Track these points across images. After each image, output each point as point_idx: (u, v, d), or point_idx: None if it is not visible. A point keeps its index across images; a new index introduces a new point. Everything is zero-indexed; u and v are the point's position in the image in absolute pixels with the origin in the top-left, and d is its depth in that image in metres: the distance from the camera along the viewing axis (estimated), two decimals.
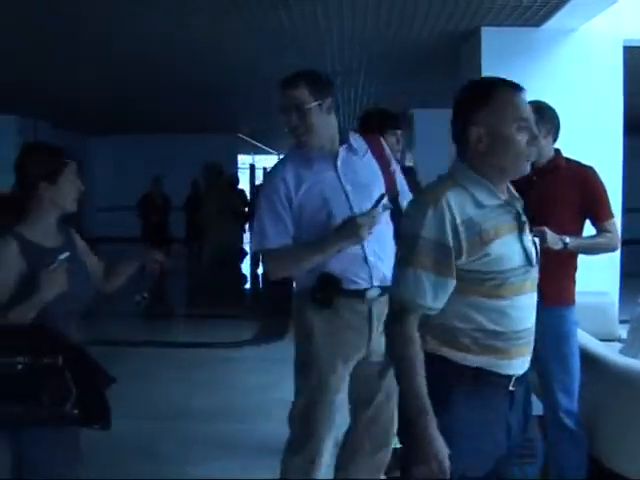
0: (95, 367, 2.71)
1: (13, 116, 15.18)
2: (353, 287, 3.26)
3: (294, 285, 3.45)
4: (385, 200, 3.27)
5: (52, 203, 2.90)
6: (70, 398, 2.50)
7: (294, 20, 7.27)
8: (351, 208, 3.28)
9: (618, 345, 4.99)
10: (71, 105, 14.18)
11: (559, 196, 3.61)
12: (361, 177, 3.39)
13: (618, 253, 7.41)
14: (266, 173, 3.43)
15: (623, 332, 5.34)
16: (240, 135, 21.33)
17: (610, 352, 4.09)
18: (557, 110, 7.57)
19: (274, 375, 6.56)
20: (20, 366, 2.48)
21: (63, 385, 2.50)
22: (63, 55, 9.03)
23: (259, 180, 25.74)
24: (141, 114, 16.12)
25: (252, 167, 27.37)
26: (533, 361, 2.52)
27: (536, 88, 7.35)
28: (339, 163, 3.40)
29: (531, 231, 2.57)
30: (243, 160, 25.97)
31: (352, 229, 3.14)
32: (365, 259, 3.27)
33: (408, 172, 4.35)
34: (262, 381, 6.42)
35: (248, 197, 15.92)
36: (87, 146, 20.66)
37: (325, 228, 3.23)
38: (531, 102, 3.04)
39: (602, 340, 4.48)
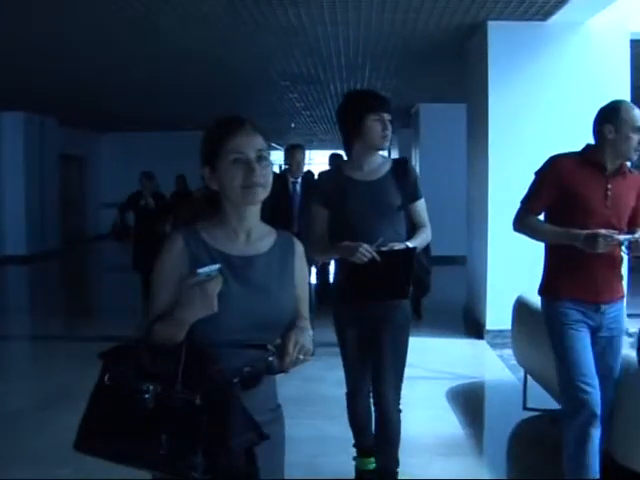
0: (243, 415, 2.06)
1: (20, 112, 15.25)
2: None
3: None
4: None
5: (223, 195, 2.18)
6: (197, 450, 1.96)
7: (301, 18, 7.29)
8: None
9: (626, 339, 4.98)
10: (78, 102, 14.21)
11: (625, 199, 3.60)
12: None
13: (624, 248, 7.42)
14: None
15: (630, 326, 5.34)
16: None
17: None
18: (563, 104, 7.61)
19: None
20: (147, 395, 1.98)
21: (192, 431, 1.96)
22: (71, 52, 9.06)
23: None
24: (148, 111, 16.15)
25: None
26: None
27: (542, 82, 7.40)
28: None
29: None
30: None
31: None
32: None
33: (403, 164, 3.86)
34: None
35: None
36: (94, 142, 20.70)
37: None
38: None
39: None
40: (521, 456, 4.64)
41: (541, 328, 4.75)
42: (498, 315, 6.97)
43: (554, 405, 4.60)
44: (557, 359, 3.65)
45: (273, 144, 25.83)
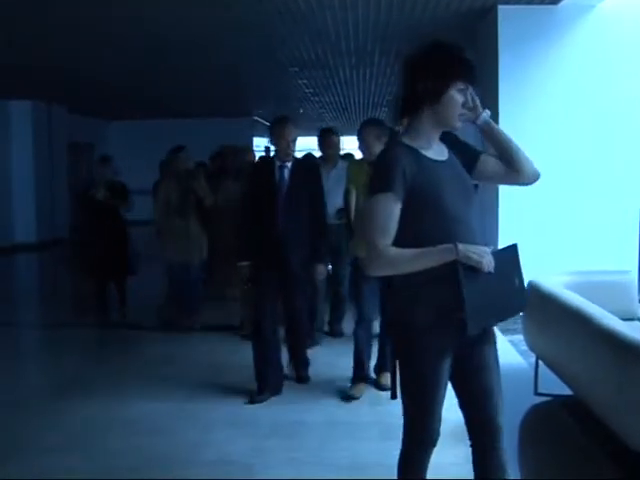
0: None
1: (28, 101, 15.27)
2: None
3: None
4: None
5: None
6: None
7: (310, 2, 7.25)
8: None
9: (638, 324, 4.96)
10: (87, 89, 14.21)
11: None
12: None
13: (637, 231, 7.39)
14: None
15: None
16: (256, 118, 21.34)
17: (635, 331, 4.05)
18: (574, 88, 7.55)
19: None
20: None
21: None
22: (79, 39, 9.04)
23: None
24: (158, 98, 16.15)
25: (267, 149, 27.40)
26: None
27: (553, 66, 7.35)
28: None
29: None
30: (258, 142, 26.01)
31: None
32: None
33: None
34: None
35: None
36: (102, 130, 20.70)
37: None
38: None
39: (622, 319, 4.44)
40: (532, 441, 4.63)
41: (552, 313, 4.74)
42: None
43: (566, 390, 4.59)
44: None
45: None
